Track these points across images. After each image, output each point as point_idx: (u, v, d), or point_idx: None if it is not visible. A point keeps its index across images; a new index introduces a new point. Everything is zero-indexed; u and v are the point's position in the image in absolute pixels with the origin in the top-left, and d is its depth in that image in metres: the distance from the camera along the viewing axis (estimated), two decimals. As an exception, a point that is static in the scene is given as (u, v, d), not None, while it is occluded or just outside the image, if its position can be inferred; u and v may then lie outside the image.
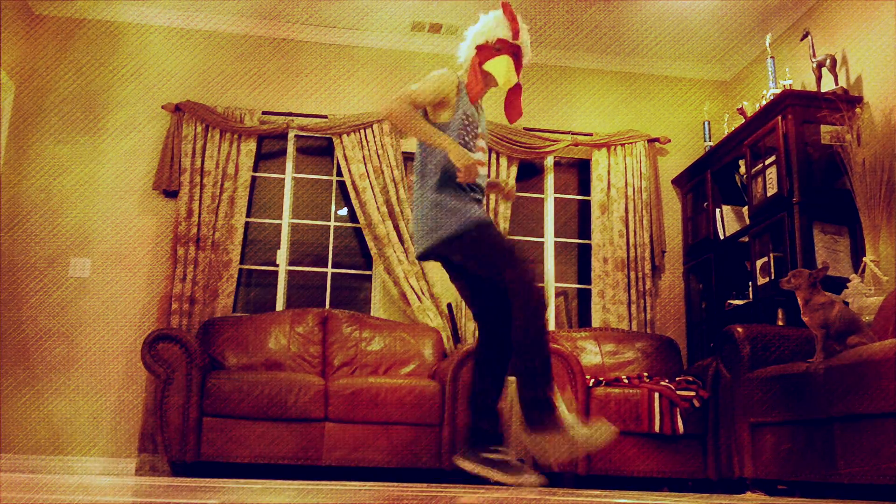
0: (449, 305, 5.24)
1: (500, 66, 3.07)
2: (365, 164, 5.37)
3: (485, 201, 3.45)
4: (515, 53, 3.13)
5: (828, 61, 4.65)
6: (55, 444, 4.86)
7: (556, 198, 5.82)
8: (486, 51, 3.12)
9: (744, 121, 5.06)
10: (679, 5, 5.27)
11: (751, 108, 5.17)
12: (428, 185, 3.03)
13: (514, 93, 3.21)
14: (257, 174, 5.52)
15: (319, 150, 5.73)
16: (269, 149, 5.62)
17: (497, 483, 2.96)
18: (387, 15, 5.45)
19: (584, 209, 5.88)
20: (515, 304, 2.87)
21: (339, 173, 5.60)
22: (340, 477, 4.19)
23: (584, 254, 5.79)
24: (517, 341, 2.89)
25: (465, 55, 3.19)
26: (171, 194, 5.27)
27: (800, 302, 3.48)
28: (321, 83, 5.61)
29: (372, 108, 5.53)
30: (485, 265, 2.99)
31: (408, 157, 5.52)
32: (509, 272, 2.90)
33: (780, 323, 4.51)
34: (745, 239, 4.99)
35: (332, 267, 5.51)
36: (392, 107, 2.96)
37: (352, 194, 5.35)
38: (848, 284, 4.09)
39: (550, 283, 5.66)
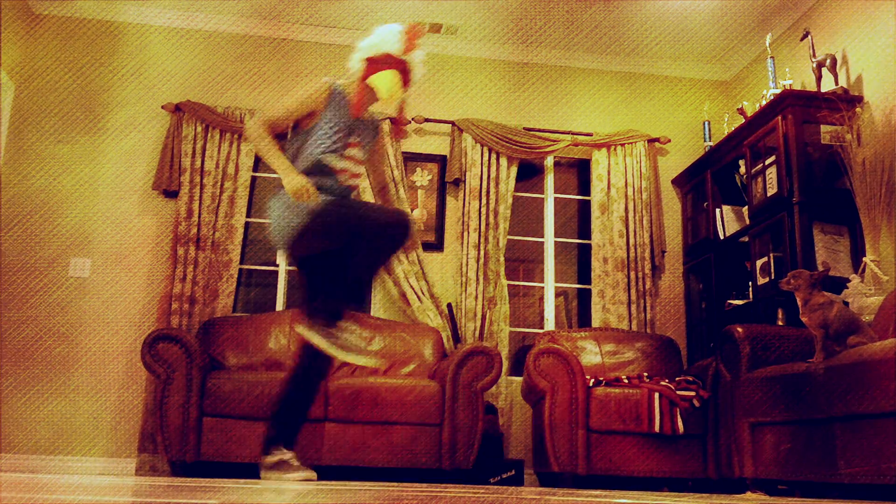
0: (449, 305, 5.24)
1: (383, 81, 3.13)
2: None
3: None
4: (403, 69, 3.15)
5: (828, 61, 4.65)
6: (55, 444, 4.86)
7: (556, 198, 5.82)
8: (373, 64, 3.16)
9: (744, 121, 5.06)
10: (679, 5, 5.27)
11: (751, 108, 5.17)
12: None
13: (399, 112, 3.29)
14: (257, 174, 5.52)
15: (319, 150, 5.72)
16: (269, 149, 5.61)
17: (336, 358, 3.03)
18: (387, 15, 5.45)
19: (584, 209, 5.88)
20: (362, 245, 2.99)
21: (339, 173, 5.59)
22: (340, 477, 4.18)
23: (584, 254, 5.79)
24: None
25: (353, 66, 3.22)
26: (171, 194, 5.27)
27: (799, 302, 3.48)
28: (321, 83, 5.60)
29: (371, 108, 5.52)
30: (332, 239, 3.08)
31: (408, 158, 5.52)
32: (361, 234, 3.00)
33: (780, 323, 4.51)
34: (745, 239, 4.99)
35: (332, 267, 5.50)
36: (248, 128, 3.12)
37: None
38: (848, 284, 4.09)
39: (550, 283, 5.66)
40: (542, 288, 5.69)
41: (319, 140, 3.11)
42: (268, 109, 3.15)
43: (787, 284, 3.50)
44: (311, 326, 2.97)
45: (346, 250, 3.05)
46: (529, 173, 5.84)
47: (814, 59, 4.71)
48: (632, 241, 5.52)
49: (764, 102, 4.84)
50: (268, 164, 3.11)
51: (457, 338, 5.20)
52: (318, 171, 3.10)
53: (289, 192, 2.98)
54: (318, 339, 2.96)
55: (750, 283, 4.91)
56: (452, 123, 5.55)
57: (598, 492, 3.14)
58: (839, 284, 4.14)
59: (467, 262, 5.32)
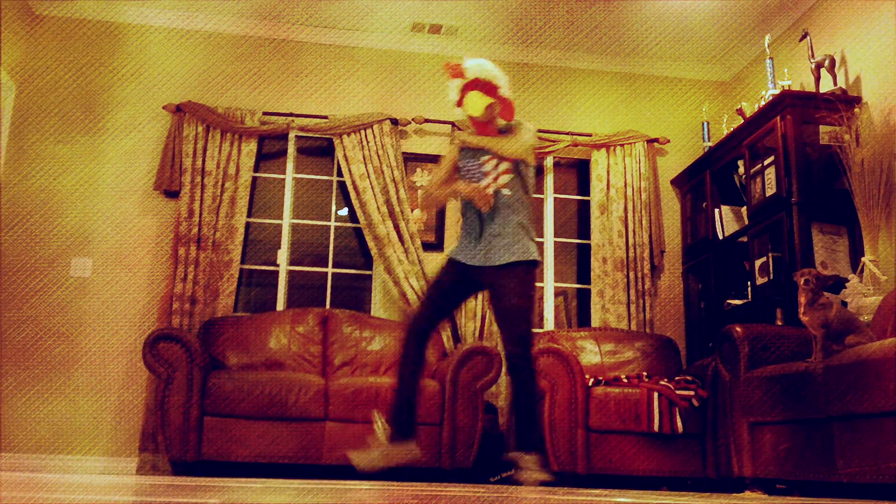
0: (449, 305, 5.25)
1: (469, 105, 3.51)
2: (365, 164, 5.38)
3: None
4: (475, 87, 3.49)
5: (826, 62, 4.66)
6: (56, 443, 4.87)
7: (555, 198, 5.83)
8: (458, 105, 3.57)
9: (743, 121, 5.07)
10: (679, 5, 5.28)
11: (750, 109, 5.18)
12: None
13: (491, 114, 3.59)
14: (258, 174, 5.53)
15: (320, 150, 5.74)
16: (270, 149, 5.63)
17: None
18: (387, 15, 5.46)
19: (584, 209, 5.88)
20: None
21: (340, 173, 5.60)
22: (340, 476, 4.19)
23: (584, 254, 5.80)
24: None
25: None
26: (172, 194, 5.28)
27: (802, 301, 3.48)
28: (321, 83, 5.62)
29: (372, 109, 5.54)
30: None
31: (408, 158, 5.53)
32: None
33: (779, 323, 4.52)
34: (744, 239, 5.00)
35: (333, 267, 5.52)
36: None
37: (352, 194, 5.36)
38: (847, 284, 4.10)
39: (550, 283, 5.66)
40: (542, 288, 5.70)
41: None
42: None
43: (805, 284, 3.46)
44: None
45: None
46: (529, 173, 5.84)
47: (812, 60, 4.72)
48: (631, 241, 5.53)
49: (763, 103, 4.85)
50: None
51: (457, 337, 5.21)
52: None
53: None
54: None
55: (749, 283, 4.92)
56: (452, 124, 5.56)
57: (597, 491, 3.15)
58: (838, 284, 4.15)
59: (467, 261, 5.32)
